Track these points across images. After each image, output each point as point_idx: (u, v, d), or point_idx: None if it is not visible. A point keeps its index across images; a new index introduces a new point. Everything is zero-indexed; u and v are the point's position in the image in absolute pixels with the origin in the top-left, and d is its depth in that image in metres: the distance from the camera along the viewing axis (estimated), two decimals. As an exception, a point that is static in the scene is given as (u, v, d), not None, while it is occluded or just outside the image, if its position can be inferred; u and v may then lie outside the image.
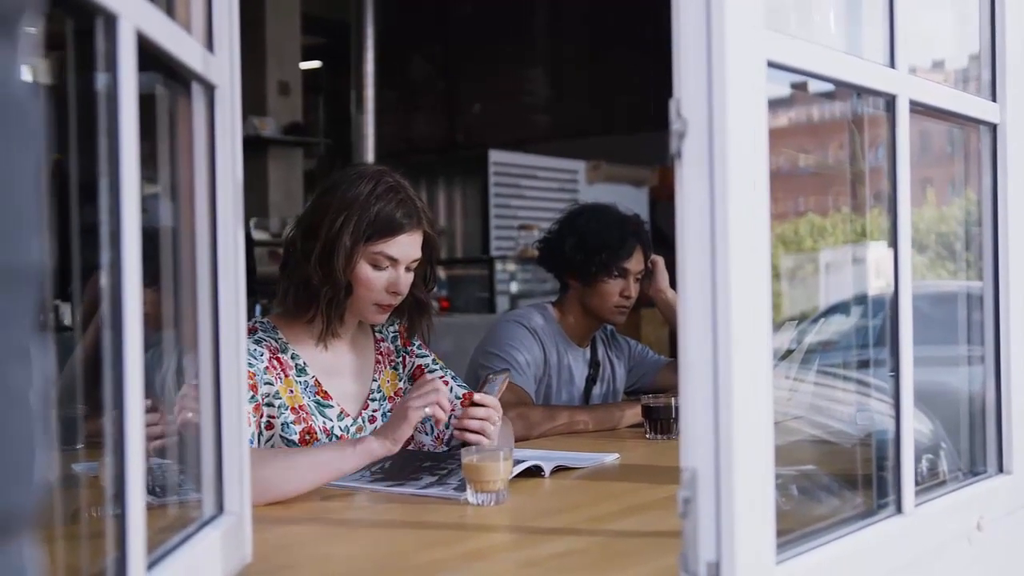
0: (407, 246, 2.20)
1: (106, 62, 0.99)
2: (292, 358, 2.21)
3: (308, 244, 2.18)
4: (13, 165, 0.52)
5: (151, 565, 1.07)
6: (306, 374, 2.21)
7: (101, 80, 1.00)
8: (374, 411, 2.31)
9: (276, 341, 2.20)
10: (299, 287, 2.19)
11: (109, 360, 0.99)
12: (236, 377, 1.38)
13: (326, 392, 2.23)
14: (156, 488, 1.33)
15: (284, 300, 2.22)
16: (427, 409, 1.98)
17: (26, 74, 0.56)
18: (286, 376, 2.17)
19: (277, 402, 2.13)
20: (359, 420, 2.27)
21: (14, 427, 0.53)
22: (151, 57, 1.10)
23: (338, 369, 2.28)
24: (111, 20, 0.98)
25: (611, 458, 2.33)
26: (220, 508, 1.36)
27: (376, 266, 2.18)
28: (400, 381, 2.38)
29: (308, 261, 2.16)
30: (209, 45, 1.34)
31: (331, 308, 2.18)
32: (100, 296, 1.01)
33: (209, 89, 1.34)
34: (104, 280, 1.00)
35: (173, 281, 1.33)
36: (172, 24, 1.17)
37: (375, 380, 2.33)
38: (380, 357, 2.37)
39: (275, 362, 2.16)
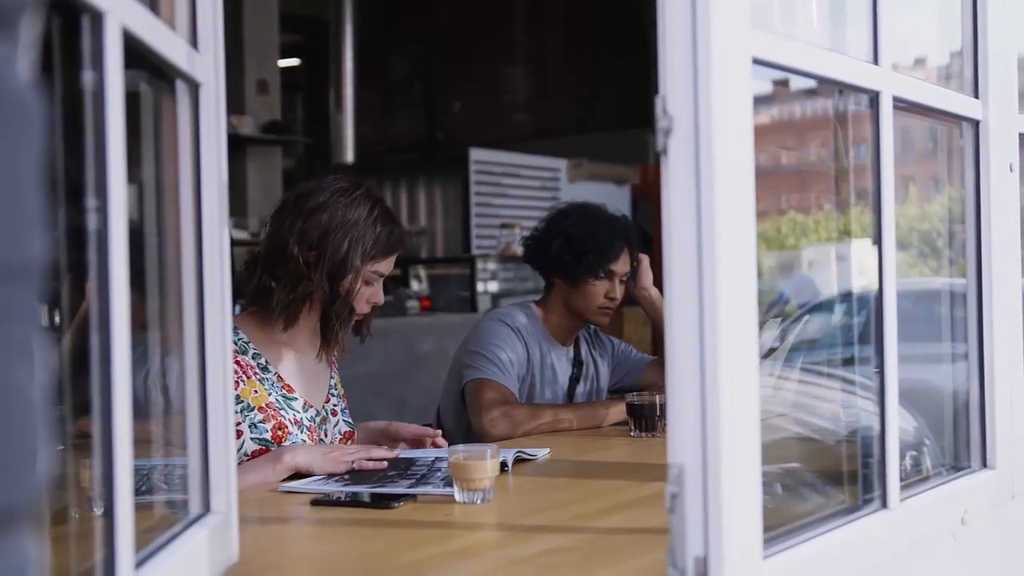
0: (393, 262, 2.32)
1: (92, 59, 0.98)
2: (253, 358, 2.25)
3: (305, 256, 2.20)
4: (15, 161, 0.52)
5: (139, 564, 1.07)
6: (269, 372, 2.26)
7: (87, 77, 0.99)
8: (334, 405, 2.40)
9: (235, 343, 2.21)
10: (301, 300, 2.23)
11: (96, 361, 0.98)
12: (222, 377, 1.37)
13: (289, 386, 2.28)
14: (140, 487, 1.32)
15: (277, 308, 2.23)
16: (355, 464, 2.10)
17: (26, 71, 0.56)
18: (248, 377, 2.20)
19: (239, 406, 2.15)
20: (323, 412, 2.35)
21: (17, 422, 0.53)
22: (135, 54, 1.09)
23: (300, 366, 2.33)
24: (97, 17, 0.97)
25: (543, 453, 2.33)
26: (207, 507, 1.35)
27: (368, 283, 2.27)
28: (341, 387, 2.49)
29: (310, 276, 2.20)
30: (194, 42, 1.33)
31: (343, 326, 2.27)
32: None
33: (194, 87, 1.33)
34: (91, 281, 0.99)
35: (157, 282, 1.32)
36: (157, 21, 1.16)
37: (332, 378, 2.42)
38: (333, 358, 2.45)
39: (235, 365, 2.17)
